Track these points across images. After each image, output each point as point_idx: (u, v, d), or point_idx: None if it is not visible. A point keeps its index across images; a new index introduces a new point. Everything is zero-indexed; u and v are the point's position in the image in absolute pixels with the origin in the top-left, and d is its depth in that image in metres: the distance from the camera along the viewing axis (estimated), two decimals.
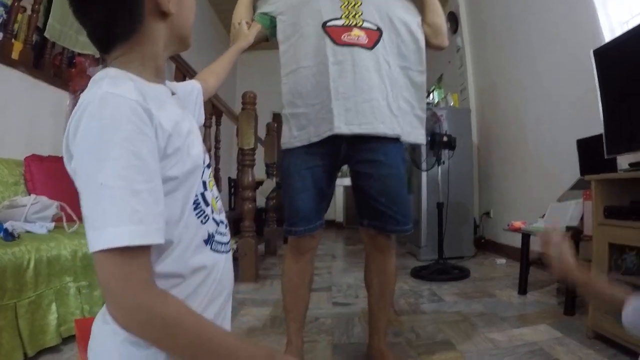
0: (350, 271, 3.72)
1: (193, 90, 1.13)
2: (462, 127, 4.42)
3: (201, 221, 0.81)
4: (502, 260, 4.01)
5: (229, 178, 6.05)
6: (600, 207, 1.99)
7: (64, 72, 3.16)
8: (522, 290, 2.87)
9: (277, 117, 6.23)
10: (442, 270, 3.50)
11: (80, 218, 2.10)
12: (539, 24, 3.67)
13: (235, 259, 3.25)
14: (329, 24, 1.57)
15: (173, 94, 0.89)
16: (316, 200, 1.63)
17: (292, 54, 1.63)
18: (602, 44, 2.45)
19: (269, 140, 4.72)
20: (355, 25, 1.57)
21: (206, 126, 3.89)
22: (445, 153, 3.90)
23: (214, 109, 4.00)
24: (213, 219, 0.85)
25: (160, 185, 0.69)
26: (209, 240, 0.83)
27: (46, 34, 2.97)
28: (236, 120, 4.13)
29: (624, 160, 2.25)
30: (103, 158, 0.64)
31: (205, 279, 0.80)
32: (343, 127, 1.53)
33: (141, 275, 0.65)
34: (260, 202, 4.94)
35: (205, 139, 3.85)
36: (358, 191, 1.66)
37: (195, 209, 0.80)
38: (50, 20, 2.97)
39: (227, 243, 0.91)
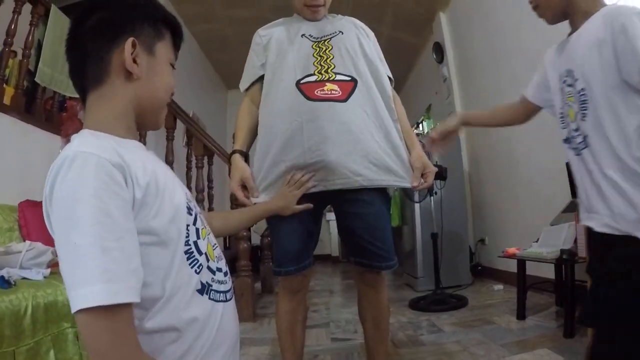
0: (348, 306, 3.71)
1: None
2: (452, 156, 4.48)
3: (195, 271, 0.81)
4: (499, 286, 4.00)
5: None
6: None
7: (56, 117, 3.20)
8: (521, 315, 2.85)
9: None
10: (440, 300, 3.49)
11: None
12: (523, 51, 3.75)
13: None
14: (302, 81, 1.58)
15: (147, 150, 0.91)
16: (304, 240, 1.64)
17: (267, 111, 1.65)
18: None
19: None
20: (328, 80, 1.59)
21: (198, 167, 3.90)
22: (436, 183, 3.93)
23: (205, 149, 4.03)
24: (208, 267, 0.85)
25: (133, 242, 0.69)
26: (205, 289, 0.82)
27: (37, 79, 3.01)
28: (228, 160, 4.15)
29: None
30: (73, 218, 0.65)
31: (203, 329, 0.80)
32: (318, 185, 1.55)
33: (125, 335, 0.65)
34: (255, 239, 4.93)
35: (197, 180, 3.86)
36: (343, 229, 1.67)
37: (188, 258, 0.80)
38: (40, 65, 3.02)
39: (228, 291, 0.91)
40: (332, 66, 1.61)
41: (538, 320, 2.81)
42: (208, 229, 0.93)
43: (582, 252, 2.27)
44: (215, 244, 0.94)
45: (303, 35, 1.69)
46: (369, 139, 1.57)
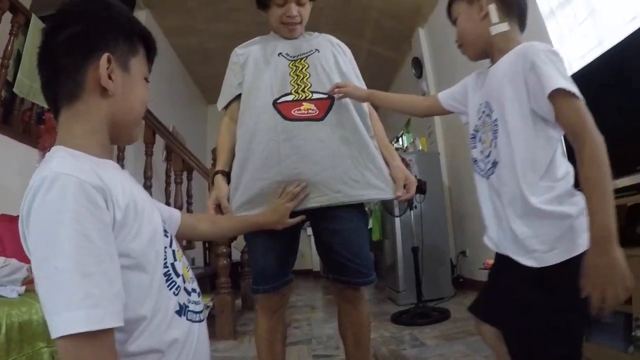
0: (329, 321, 3.67)
1: (171, 217, 1.11)
2: (432, 170, 4.50)
3: (173, 292, 0.81)
4: None
5: None
6: None
7: (33, 129, 3.10)
8: None
9: None
10: (423, 313, 3.47)
11: None
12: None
13: (212, 317, 3.17)
14: (279, 100, 1.59)
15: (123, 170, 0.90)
16: (282, 258, 1.63)
17: (243, 130, 1.64)
18: None
19: None
20: (305, 99, 1.60)
21: (177, 182, 3.86)
22: (416, 197, 3.94)
23: (184, 164, 3.99)
24: (185, 289, 0.85)
25: (114, 265, 0.68)
26: (183, 310, 0.82)
27: (15, 90, 2.94)
28: (207, 175, 4.11)
29: None
30: (52, 242, 0.63)
31: (182, 350, 0.79)
32: (298, 204, 1.54)
33: None
34: (236, 255, 4.87)
35: (176, 195, 3.81)
36: (321, 246, 1.66)
37: (166, 280, 0.80)
38: (19, 76, 2.96)
39: (201, 312, 0.91)
40: (309, 85, 1.63)
41: None
42: (181, 251, 0.93)
43: None
44: (188, 265, 0.93)
45: (280, 54, 1.69)
46: (347, 156, 1.58)
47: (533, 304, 1.05)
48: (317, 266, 8.25)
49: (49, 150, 0.78)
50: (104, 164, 0.79)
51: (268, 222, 1.49)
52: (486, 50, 1.27)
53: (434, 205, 4.34)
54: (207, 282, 4.23)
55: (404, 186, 1.65)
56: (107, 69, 0.81)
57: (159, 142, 3.99)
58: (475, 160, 1.28)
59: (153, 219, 0.81)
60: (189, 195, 4.45)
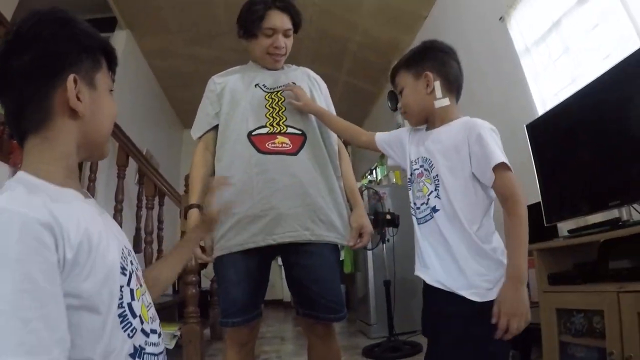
0: (300, 354, 3.57)
1: None
2: (405, 203, 4.45)
3: (128, 335, 0.76)
4: None
5: None
6: (544, 274, 2.05)
7: (5, 144, 2.99)
8: None
9: None
10: (394, 347, 3.43)
11: None
12: (473, 97, 3.81)
13: (179, 347, 3.06)
14: (254, 133, 1.60)
15: (87, 197, 0.85)
16: (252, 291, 1.60)
17: (221, 165, 1.64)
18: (535, 113, 2.71)
19: None
20: (280, 132, 1.62)
21: (148, 207, 3.78)
22: (389, 231, 3.95)
23: (156, 189, 3.91)
24: (142, 330, 0.80)
25: (58, 308, 0.63)
26: (138, 352, 0.78)
27: None
28: (179, 202, 4.05)
29: (564, 225, 2.34)
30: None
31: None
32: (267, 238, 1.53)
33: None
34: (205, 283, 4.76)
35: (147, 221, 3.73)
36: (292, 281, 1.65)
37: (121, 322, 0.75)
38: None
39: (161, 353, 0.86)
40: (284, 118, 1.65)
41: None
42: (143, 288, 0.88)
43: (534, 296, 2.29)
44: (149, 304, 0.88)
45: (257, 85, 1.71)
46: (317, 194, 1.60)
47: (471, 334, 1.19)
48: (288, 297, 8.10)
49: (19, 167, 0.74)
50: (64, 195, 0.74)
51: (196, 240, 1.40)
52: (427, 119, 1.42)
53: (406, 238, 4.28)
54: (174, 310, 4.10)
55: (360, 234, 1.68)
56: (75, 89, 0.77)
57: (132, 164, 3.92)
58: (415, 205, 1.43)
59: (109, 255, 0.76)
60: (160, 221, 4.35)
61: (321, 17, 4.84)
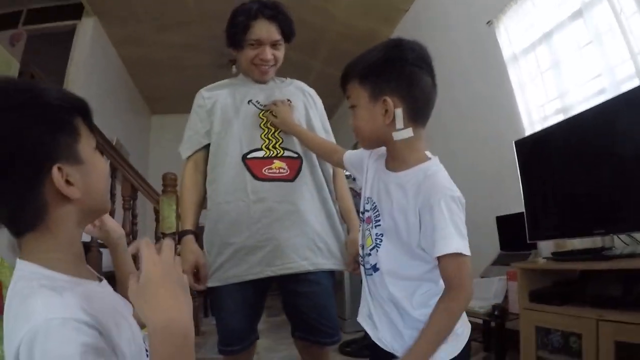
0: (278, 351, 3.46)
1: None
2: None
3: None
4: None
5: None
6: (525, 291, 2.10)
7: None
8: None
9: None
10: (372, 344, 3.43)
11: None
12: (457, 103, 3.76)
13: None
14: (249, 156, 1.55)
15: (101, 279, 0.84)
16: (250, 319, 1.60)
17: (213, 188, 1.60)
18: (520, 124, 2.77)
19: None
20: (276, 156, 1.56)
21: (125, 208, 3.70)
22: None
23: (133, 189, 3.81)
24: None
25: None
26: None
27: None
28: (151, 197, 3.98)
29: (545, 243, 2.42)
30: None
31: None
32: (266, 270, 1.51)
33: None
34: None
35: (124, 222, 3.65)
36: (290, 307, 1.64)
37: None
38: None
39: None
40: (280, 140, 1.59)
41: None
42: None
43: (514, 308, 2.35)
44: None
45: (250, 101, 1.64)
46: (315, 221, 1.57)
47: None
48: None
49: None
50: (86, 288, 0.73)
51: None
52: (380, 145, 1.20)
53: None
54: None
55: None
56: (62, 178, 0.72)
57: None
58: (363, 250, 1.23)
59: (125, 346, 0.74)
60: (134, 216, 4.25)
61: (298, 5, 4.75)
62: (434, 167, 1.10)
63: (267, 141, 1.57)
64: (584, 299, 1.87)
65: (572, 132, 2.13)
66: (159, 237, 3.69)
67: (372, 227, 1.17)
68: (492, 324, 2.67)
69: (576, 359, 1.82)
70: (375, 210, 1.17)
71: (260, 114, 1.62)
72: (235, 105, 1.64)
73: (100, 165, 0.83)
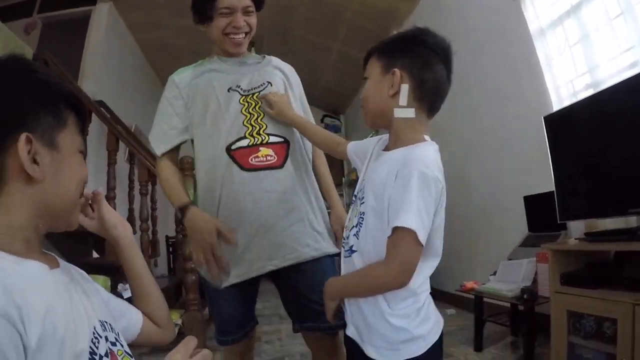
0: (300, 337, 3.51)
1: (129, 327, 0.96)
2: None
3: None
4: (452, 311, 3.99)
5: (167, 237, 5.71)
6: (556, 274, 2.02)
7: None
8: (478, 347, 2.85)
9: None
10: None
11: None
12: (482, 80, 3.69)
13: (181, 334, 3.05)
14: (233, 146, 1.46)
15: (53, 265, 0.75)
16: (247, 304, 1.55)
17: (204, 182, 1.52)
18: (548, 101, 2.67)
19: None
20: (262, 143, 1.48)
21: (142, 193, 3.68)
22: None
23: (149, 174, 3.78)
24: None
25: None
26: None
27: None
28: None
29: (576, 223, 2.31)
30: None
31: None
32: (268, 265, 1.44)
33: None
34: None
35: (142, 208, 3.64)
36: (286, 290, 1.56)
37: None
38: None
39: None
40: (264, 126, 1.51)
41: (496, 352, 2.82)
42: (125, 346, 0.81)
43: (544, 291, 2.28)
44: None
45: (230, 89, 1.54)
46: (307, 206, 1.51)
47: None
48: None
49: None
50: (26, 268, 0.66)
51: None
52: (384, 122, 1.17)
53: None
54: (172, 294, 4.06)
55: None
56: (29, 152, 0.68)
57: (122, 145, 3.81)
58: (345, 230, 1.22)
59: (77, 345, 0.67)
60: (153, 201, 4.25)
61: None
62: (425, 146, 1.09)
63: (251, 127, 1.49)
64: (619, 282, 1.79)
65: (604, 106, 2.03)
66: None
67: (358, 206, 1.15)
68: (520, 307, 2.60)
69: (611, 345, 1.75)
70: (361, 192, 1.16)
71: (241, 100, 1.53)
72: (216, 95, 1.53)
73: (76, 168, 0.78)
